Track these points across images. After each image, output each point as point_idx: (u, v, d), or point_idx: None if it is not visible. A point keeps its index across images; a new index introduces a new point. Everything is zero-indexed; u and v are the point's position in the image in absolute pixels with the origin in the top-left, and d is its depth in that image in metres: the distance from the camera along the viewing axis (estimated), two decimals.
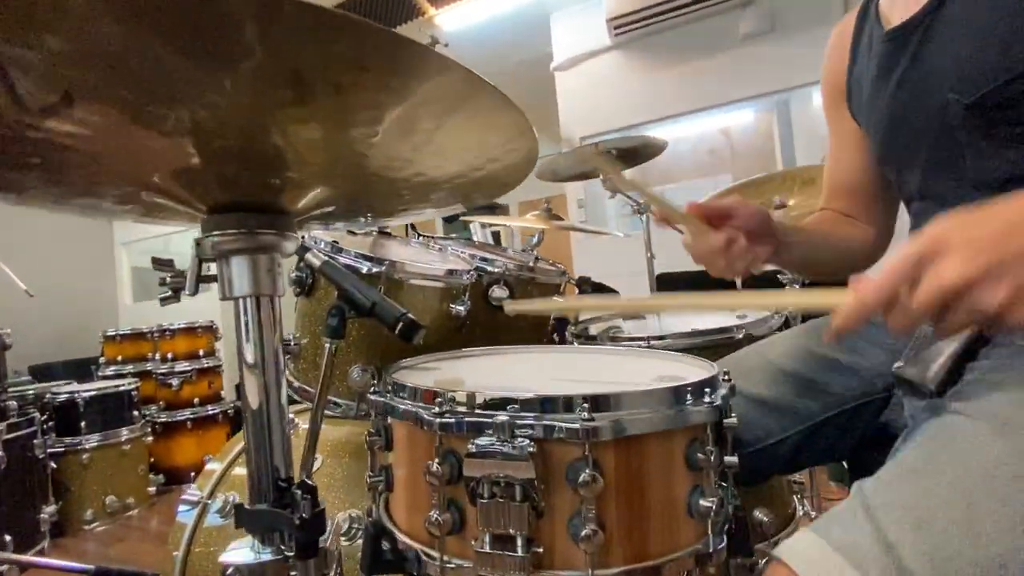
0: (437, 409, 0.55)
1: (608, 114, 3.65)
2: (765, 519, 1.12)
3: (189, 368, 3.08)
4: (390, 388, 0.65)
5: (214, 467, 1.29)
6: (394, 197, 0.55)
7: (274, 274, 0.47)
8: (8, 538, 2.11)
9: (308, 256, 0.85)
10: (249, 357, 0.47)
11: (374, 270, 0.92)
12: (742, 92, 3.36)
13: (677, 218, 0.75)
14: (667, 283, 2.14)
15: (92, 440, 2.59)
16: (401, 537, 0.62)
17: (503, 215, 3.73)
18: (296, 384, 1.02)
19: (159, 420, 3.03)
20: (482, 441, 0.51)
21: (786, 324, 1.27)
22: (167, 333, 3.11)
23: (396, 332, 0.78)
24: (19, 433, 2.25)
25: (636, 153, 1.99)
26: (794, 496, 1.27)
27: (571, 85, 3.85)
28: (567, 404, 0.54)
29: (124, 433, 2.69)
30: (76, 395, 2.60)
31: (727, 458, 0.63)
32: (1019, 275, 0.41)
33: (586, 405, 0.53)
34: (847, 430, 0.79)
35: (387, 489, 0.67)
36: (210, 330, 3.25)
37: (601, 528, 0.52)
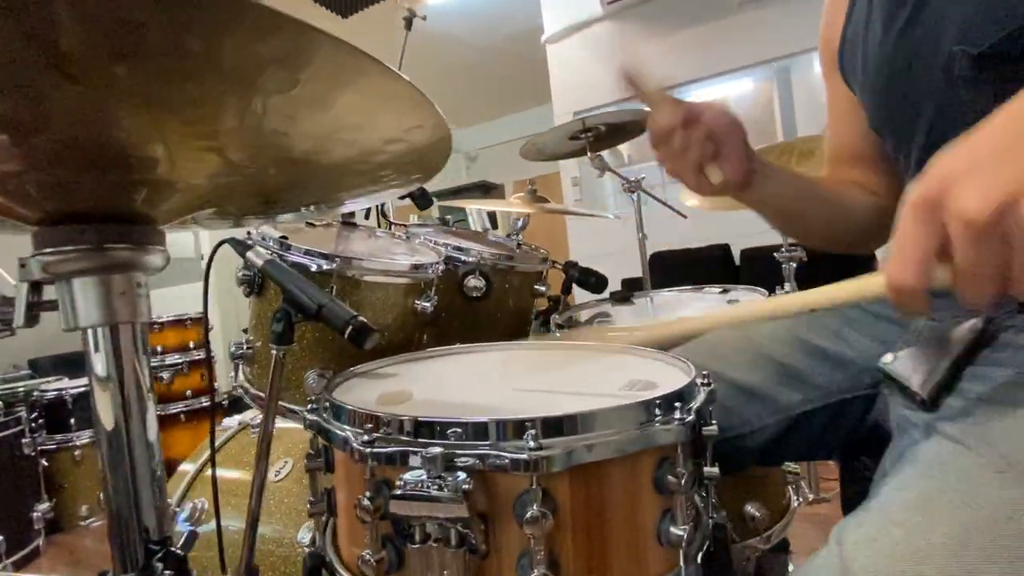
0: (366, 437, 0.48)
1: (602, 87, 3.53)
2: (757, 514, 1.05)
3: (180, 361, 3.04)
4: (326, 405, 0.59)
5: (187, 468, 1.25)
6: (285, 188, 0.47)
7: (132, 296, 0.39)
8: (0, 538, 2.09)
9: (249, 255, 0.78)
10: (101, 391, 0.39)
11: (325, 267, 0.84)
12: (740, 61, 3.23)
13: (653, 94, 0.69)
14: (660, 262, 2.07)
15: (84, 436, 2.56)
16: (340, 572, 0.55)
17: (498, 197, 3.64)
18: (251, 391, 0.95)
19: None
20: (410, 477, 0.44)
21: None
22: (155, 326, 3.05)
23: (346, 337, 0.72)
24: (6, 432, 2.23)
25: (631, 127, 1.88)
26: (788, 487, 1.21)
27: (563, 58, 3.71)
28: (516, 428, 0.47)
29: None
30: (64, 392, 2.57)
31: (707, 469, 0.57)
32: None
33: (533, 432, 0.45)
34: (831, 426, 0.73)
35: (332, 515, 0.61)
36: (199, 322, 3.20)
37: (554, 570, 0.46)
